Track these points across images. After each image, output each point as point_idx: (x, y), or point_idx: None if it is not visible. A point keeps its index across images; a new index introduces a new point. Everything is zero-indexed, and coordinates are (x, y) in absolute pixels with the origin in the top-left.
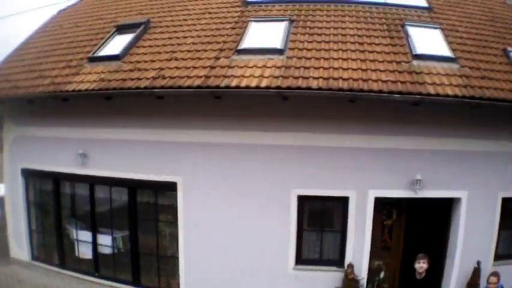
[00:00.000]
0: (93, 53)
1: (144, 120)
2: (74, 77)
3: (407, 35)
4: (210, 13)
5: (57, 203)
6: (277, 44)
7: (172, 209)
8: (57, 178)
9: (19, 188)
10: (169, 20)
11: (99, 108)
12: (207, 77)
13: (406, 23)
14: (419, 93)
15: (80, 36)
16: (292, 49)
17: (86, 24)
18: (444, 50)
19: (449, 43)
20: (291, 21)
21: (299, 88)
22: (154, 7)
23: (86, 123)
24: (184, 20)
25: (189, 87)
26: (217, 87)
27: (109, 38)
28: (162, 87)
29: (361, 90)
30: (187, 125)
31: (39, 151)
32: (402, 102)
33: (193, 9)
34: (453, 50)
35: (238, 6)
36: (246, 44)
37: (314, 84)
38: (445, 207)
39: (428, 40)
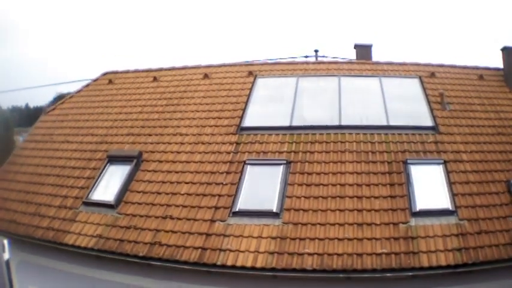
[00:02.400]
0: (88, 195)
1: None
2: (72, 224)
3: (408, 181)
4: (203, 143)
5: None
6: (273, 206)
7: None
8: None
9: None
10: (161, 151)
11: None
12: (203, 249)
13: (408, 160)
14: (413, 268)
15: (72, 160)
16: (288, 210)
17: (76, 141)
18: (444, 202)
19: (452, 183)
20: (288, 162)
21: (294, 270)
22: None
23: (85, 263)
24: (178, 152)
25: (186, 262)
26: (214, 265)
27: (102, 171)
28: (160, 258)
29: (355, 270)
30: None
31: (42, 280)
32: (396, 279)
33: (187, 135)
34: (455, 190)
35: (233, 134)
36: (241, 204)
37: (308, 263)
38: None
39: (429, 185)
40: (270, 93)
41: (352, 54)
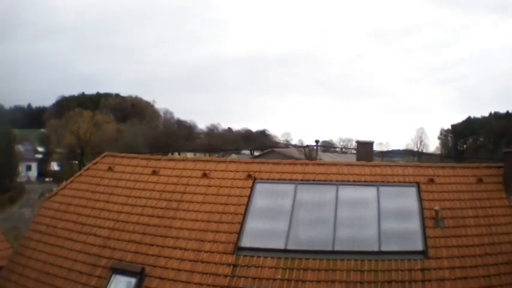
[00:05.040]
0: None
1: None
2: None
3: None
4: (203, 262)
5: None
6: None
7: None
8: None
9: None
10: (163, 266)
11: None
12: None
13: None
14: None
15: (78, 263)
16: None
17: (80, 240)
18: None
19: None
20: None
21: None
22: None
23: None
24: (178, 270)
25: None
26: None
27: (108, 283)
28: None
29: None
30: None
31: None
32: None
33: (186, 249)
34: None
35: (230, 253)
36: None
37: None
38: None
39: None
40: (268, 203)
41: None
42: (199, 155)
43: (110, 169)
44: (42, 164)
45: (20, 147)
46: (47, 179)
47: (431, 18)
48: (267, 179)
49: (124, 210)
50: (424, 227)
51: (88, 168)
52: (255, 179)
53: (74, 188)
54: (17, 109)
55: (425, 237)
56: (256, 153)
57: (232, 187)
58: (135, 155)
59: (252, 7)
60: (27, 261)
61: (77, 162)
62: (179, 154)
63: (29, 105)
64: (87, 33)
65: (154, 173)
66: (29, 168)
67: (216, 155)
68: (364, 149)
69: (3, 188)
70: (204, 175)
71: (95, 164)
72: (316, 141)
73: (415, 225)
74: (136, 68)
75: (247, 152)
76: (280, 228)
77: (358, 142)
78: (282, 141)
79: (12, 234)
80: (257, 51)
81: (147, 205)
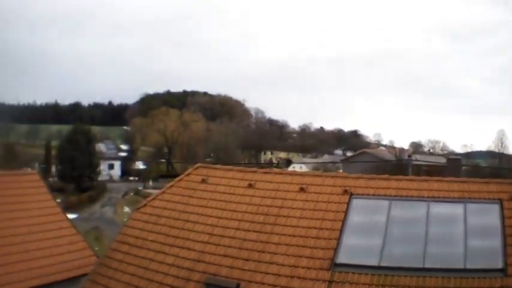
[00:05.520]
0: None
1: None
2: None
3: None
4: (299, 278)
5: None
6: None
7: None
8: None
9: None
10: (259, 282)
11: None
12: None
13: None
14: None
15: (169, 277)
16: None
17: (172, 254)
18: None
19: None
20: None
21: None
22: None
23: None
24: (274, 286)
25: None
26: None
27: None
28: None
29: None
30: None
31: None
32: None
33: (283, 265)
34: None
35: (326, 269)
36: None
37: None
38: None
39: None
40: (364, 219)
41: None
42: (292, 155)
43: (203, 181)
44: (126, 162)
45: (101, 146)
46: (131, 178)
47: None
48: (363, 195)
49: (219, 224)
50: (505, 245)
51: (181, 180)
52: (351, 194)
53: (165, 200)
54: (97, 106)
55: (505, 255)
56: (348, 154)
57: (329, 202)
58: (230, 167)
59: (338, 6)
60: (113, 273)
61: (163, 160)
62: (272, 153)
63: (110, 103)
64: (170, 30)
65: (250, 186)
66: (111, 166)
67: (309, 155)
68: (453, 164)
69: (83, 187)
70: (301, 189)
71: (187, 175)
72: (409, 156)
73: (496, 242)
74: (222, 66)
75: (339, 152)
76: (375, 244)
77: (448, 159)
78: (373, 142)
79: (93, 234)
80: (344, 51)
81: (244, 219)
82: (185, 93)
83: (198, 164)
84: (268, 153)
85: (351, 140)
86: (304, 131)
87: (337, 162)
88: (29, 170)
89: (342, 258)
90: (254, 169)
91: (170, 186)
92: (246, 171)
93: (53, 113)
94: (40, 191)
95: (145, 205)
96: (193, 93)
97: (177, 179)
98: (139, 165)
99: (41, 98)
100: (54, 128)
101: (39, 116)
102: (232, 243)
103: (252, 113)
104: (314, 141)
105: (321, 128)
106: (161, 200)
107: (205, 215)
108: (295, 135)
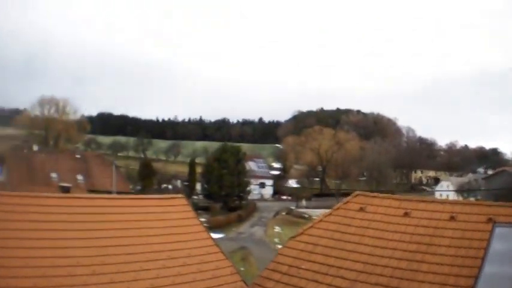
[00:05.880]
0: None
1: None
2: None
3: None
4: None
5: None
6: None
7: None
8: None
9: None
10: None
11: None
12: None
13: None
14: None
15: None
16: None
17: (325, 282)
18: None
19: None
20: None
21: None
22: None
23: None
24: None
25: None
26: None
27: None
28: None
29: None
30: None
31: None
32: None
33: None
34: None
35: None
36: None
37: None
38: None
39: None
40: (505, 248)
41: None
42: (439, 173)
43: (361, 209)
44: (278, 181)
45: (251, 164)
46: (283, 197)
47: None
48: (505, 223)
49: (375, 253)
50: None
51: (338, 208)
52: (495, 222)
53: (323, 228)
54: (246, 123)
55: None
56: (489, 172)
57: (474, 230)
58: (387, 195)
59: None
60: None
61: (317, 179)
62: (422, 172)
63: (260, 119)
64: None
65: (406, 214)
66: (262, 185)
67: (455, 174)
68: None
69: (231, 206)
70: (452, 218)
71: (345, 203)
72: None
73: None
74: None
75: (481, 170)
76: None
77: None
78: None
79: (240, 255)
80: (479, 69)
81: (398, 248)
82: (338, 111)
83: (357, 192)
84: (419, 171)
85: (492, 158)
86: (451, 149)
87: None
88: (169, 186)
89: (481, 287)
90: (410, 197)
91: (328, 215)
92: (402, 199)
93: (197, 129)
94: (187, 215)
95: (301, 233)
96: (347, 111)
97: (334, 207)
98: (292, 183)
99: (183, 113)
100: (198, 144)
101: (181, 133)
102: (384, 272)
103: (404, 131)
104: (459, 159)
105: (466, 145)
106: (318, 228)
107: (361, 244)
108: (442, 152)
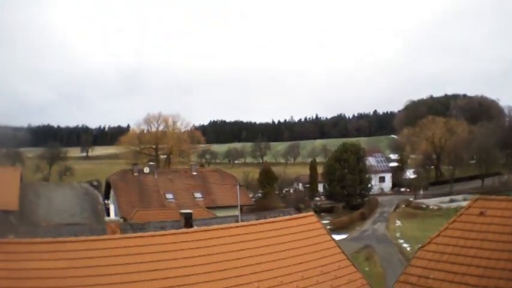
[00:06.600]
0: None
1: None
2: None
3: None
4: None
5: None
6: None
7: None
8: None
9: None
10: None
11: None
12: None
13: None
14: None
15: None
16: None
17: None
18: None
19: None
20: None
21: None
22: None
23: None
24: None
25: None
26: None
27: None
28: None
29: None
30: None
31: None
32: None
33: None
34: None
35: None
36: None
37: None
38: None
39: None
40: None
41: None
42: None
43: (481, 214)
44: (396, 173)
45: (370, 160)
46: (402, 189)
47: None
48: None
49: (492, 257)
50: None
51: (461, 214)
52: None
53: (448, 235)
54: (361, 117)
55: None
56: None
57: None
58: (505, 197)
59: None
60: None
61: (432, 167)
62: None
63: (375, 112)
64: (430, 33)
65: None
66: (382, 179)
67: None
68: None
69: (353, 205)
70: None
71: (467, 209)
72: None
73: None
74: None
75: None
76: None
77: None
78: None
79: (364, 254)
80: None
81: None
82: (447, 97)
83: (477, 197)
84: None
85: None
86: None
87: None
88: (291, 190)
89: None
90: None
91: (452, 222)
92: None
93: (314, 127)
94: (318, 232)
95: (429, 243)
96: (455, 97)
97: (458, 213)
98: (409, 174)
99: (298, 114)
100: (317, 143)
101: (299, 132)
102: (503, 275)
103: (506, 111)
104: None
105: None
106: (444, 236)
107: (482, 249)
108: None
